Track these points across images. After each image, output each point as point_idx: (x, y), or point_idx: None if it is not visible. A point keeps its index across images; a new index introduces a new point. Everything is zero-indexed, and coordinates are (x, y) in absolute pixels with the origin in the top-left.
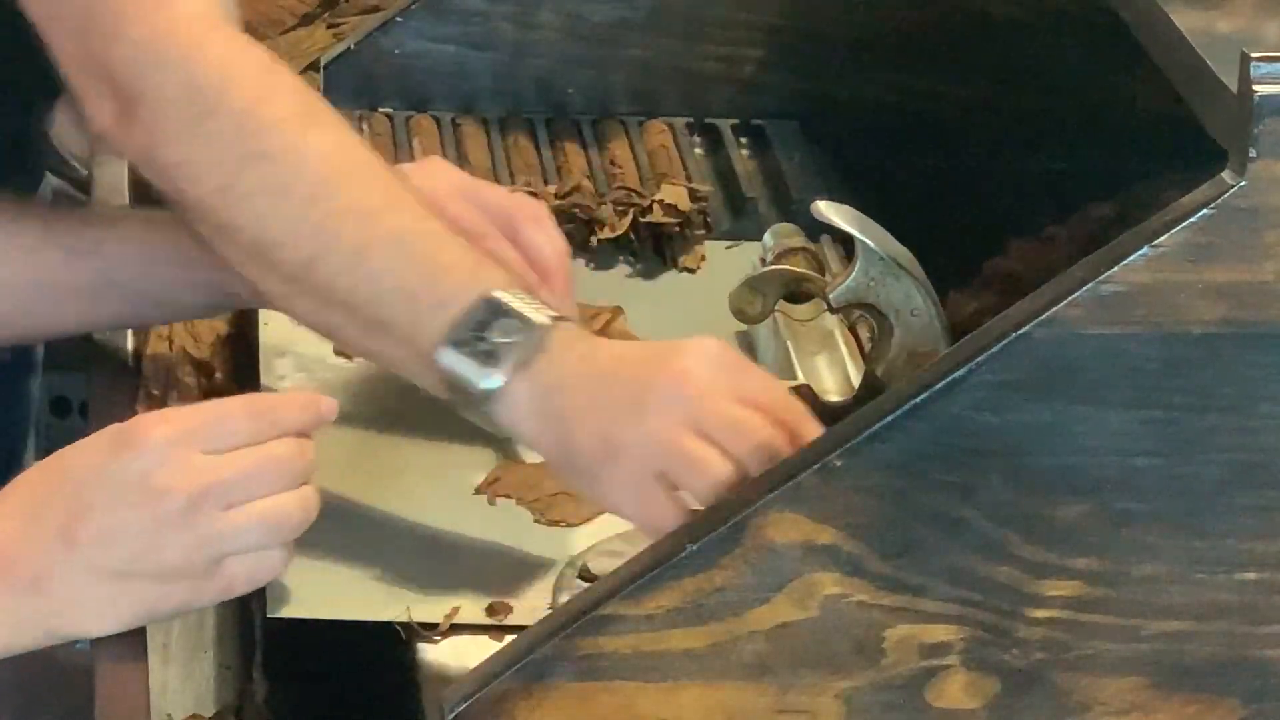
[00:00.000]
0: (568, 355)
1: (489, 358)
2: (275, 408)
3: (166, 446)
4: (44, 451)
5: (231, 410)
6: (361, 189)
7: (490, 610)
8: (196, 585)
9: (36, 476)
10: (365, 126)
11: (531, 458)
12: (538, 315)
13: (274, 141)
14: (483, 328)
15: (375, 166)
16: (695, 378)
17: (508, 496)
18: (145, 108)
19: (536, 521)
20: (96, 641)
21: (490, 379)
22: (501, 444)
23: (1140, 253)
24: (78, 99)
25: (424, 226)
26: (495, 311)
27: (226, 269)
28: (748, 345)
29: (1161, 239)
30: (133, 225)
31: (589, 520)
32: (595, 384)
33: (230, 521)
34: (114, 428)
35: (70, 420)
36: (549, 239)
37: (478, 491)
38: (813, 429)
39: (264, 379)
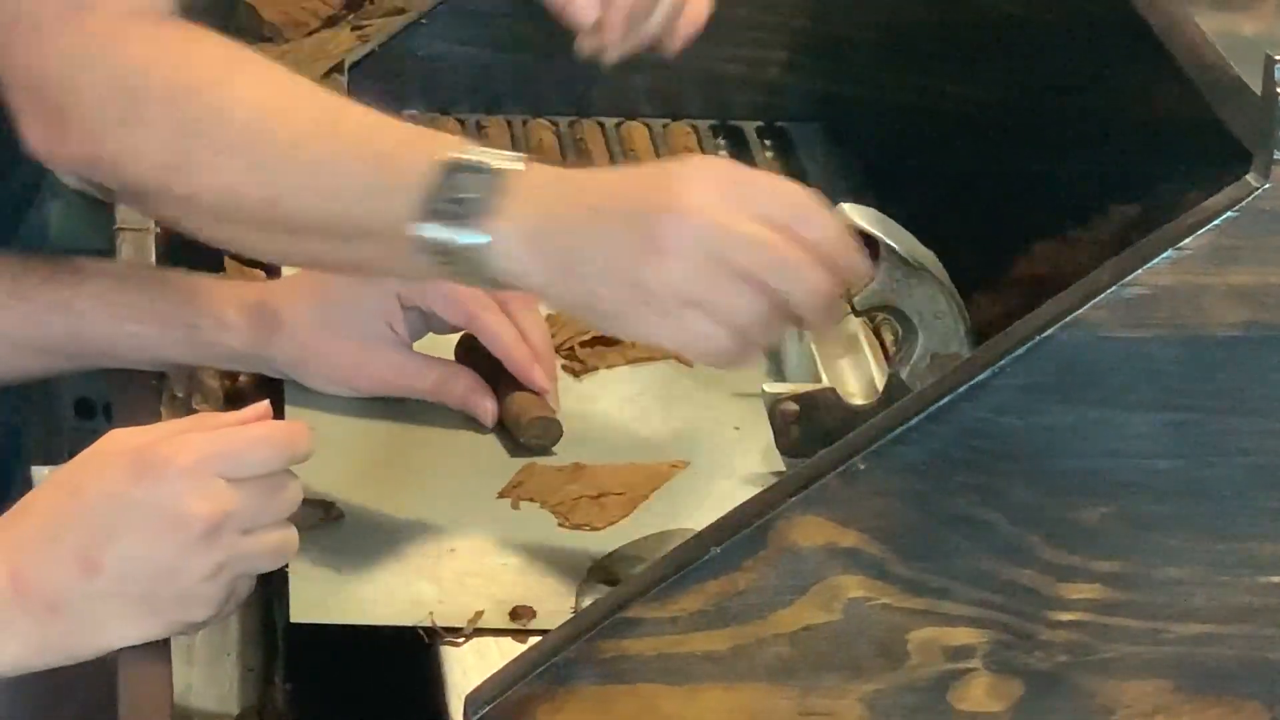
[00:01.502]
0: (548, 194)
1: (467, 216)
2: (291, 440)
3: (189, 473)
4: (69, 454)
5: (250, 439)
6: (299, 116)
7: (514, 614)
8: (209, 605)
9: (52, 498)
10: None
11: (556, 462)
12: (501, 162)
13: (204, 104)
14: (453, 189)
15: (305, 87)
16: (704, 208)
17: (531, 500)
18: (80, 111)
19: (560, 525)
20: None
21: (475, 235)
22: (525, 449)
23: (1164, 255)
24: (19, 124)
25: (366, 120)
26: (458, 169)
27: (202, 320)
28: (773, 347)
29: (1185, 242)
30: (103, 282)
31: (612, 524)
32: (594, 222)
33: (248, 547)
34: (132, 453)
35: (95, 422)
36: (537, 322)
37: (501, 496)
38: (839, 241)
39: (288, 383)
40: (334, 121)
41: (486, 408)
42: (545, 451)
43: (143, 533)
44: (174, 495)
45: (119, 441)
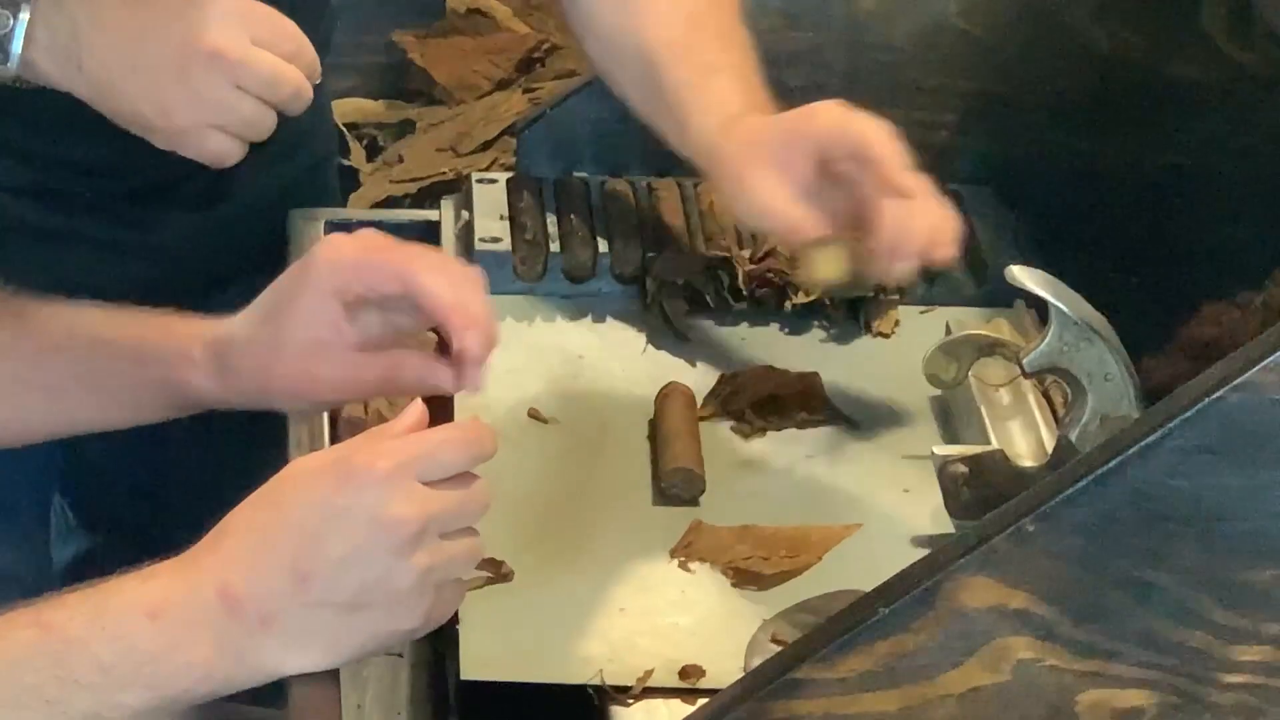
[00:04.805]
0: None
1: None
2: (478, 439)
3: (390, 478)
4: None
5: (439, 441)
6: None
7: (683, 673)
8: (416, 612)
9: (252, 517)
10: (561, 191)
11: (726, 522)
12: None
13: None
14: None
15: None
16: (225, 47)
17: (701, 560)
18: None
19: (730, 585)
20: (293, 699)
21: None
22: (695, 508)
23: None
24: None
25: None
26: None
27: (171, 357)
28: (942, 409)
29: None
30: (95, 318)
31: (782, 584)
32: (123, 43)
33: (450, 550)
34: (329, 466)
35: None
36: (476, 290)
37: (671, 555)
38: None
39: None
40: None
41: (445, 376)
42: (693, 503)
43: (351, 539)
44: (379, 501)
45: (310, 461)
